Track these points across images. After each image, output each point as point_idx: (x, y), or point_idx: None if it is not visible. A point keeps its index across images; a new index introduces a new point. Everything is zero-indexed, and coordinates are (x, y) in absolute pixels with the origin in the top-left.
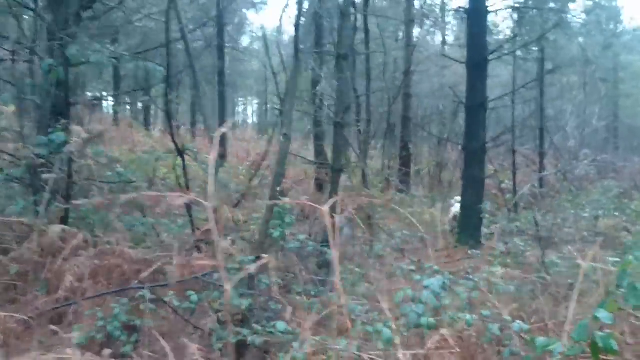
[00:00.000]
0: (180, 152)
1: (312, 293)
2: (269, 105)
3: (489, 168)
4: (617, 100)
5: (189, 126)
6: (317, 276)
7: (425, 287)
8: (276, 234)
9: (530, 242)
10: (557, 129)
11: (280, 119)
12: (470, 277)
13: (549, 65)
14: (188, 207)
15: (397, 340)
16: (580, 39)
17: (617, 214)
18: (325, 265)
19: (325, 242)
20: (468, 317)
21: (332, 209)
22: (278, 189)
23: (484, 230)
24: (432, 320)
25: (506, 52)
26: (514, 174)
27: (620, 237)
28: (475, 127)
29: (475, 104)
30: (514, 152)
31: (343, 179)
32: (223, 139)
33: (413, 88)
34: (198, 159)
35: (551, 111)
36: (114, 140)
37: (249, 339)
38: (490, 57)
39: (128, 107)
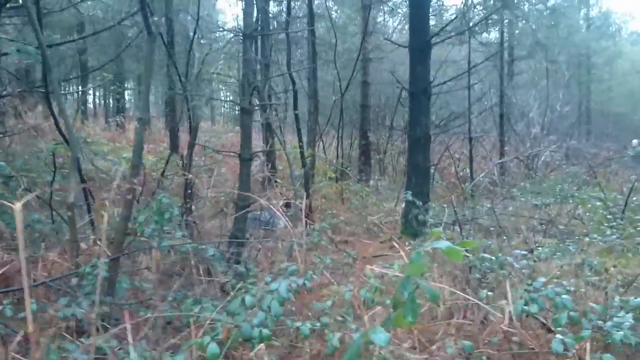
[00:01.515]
0: (68, 142)
1: (169, 298)
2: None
3: (452, 157)
4: (589, 85)
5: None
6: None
7: (271, 292)
8: (147, 232)
9: (473, 232)
10: (522, 115)
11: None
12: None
13: (520, 51)
14: (85, 199)
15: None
16: (552, 23)
17: (571, 201)
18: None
19: (235, 238)
20: (308, 326)
21: (243, 203)
22: (135, 180)
23: (430, 220)
24: (265, 331)
25: (451, 34)
26: (471, 161)
27: (570, 225)
28: (418, 113)
29: (418, 90)
30: (470, 139)
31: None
32: (173, 130)
33: (377, 76)
34: (84, 150)
35: (517, 98)
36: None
37: (71, 356)
38: (434, 40)
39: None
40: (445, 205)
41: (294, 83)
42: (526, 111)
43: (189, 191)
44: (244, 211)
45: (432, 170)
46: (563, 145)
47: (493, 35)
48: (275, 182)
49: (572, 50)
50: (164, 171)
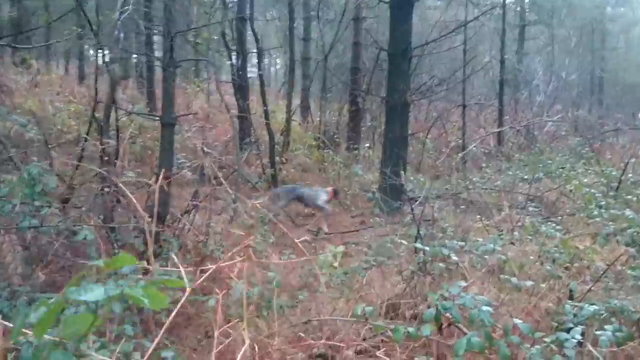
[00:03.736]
0: None
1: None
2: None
3: (444, 125)
4: (603, 53)
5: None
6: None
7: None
8: (6, 208)
9: (449, 208)
10: (526, 83)
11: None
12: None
13: (531, 16)
14: None
15: None
16: None
17: (563, 175)
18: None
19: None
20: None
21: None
22: None
23: (408, 194)
24: None
25: None
26: (464, 130)
27: (558, 202)
28: (395, 77)
29: (397, 51)
30: (463, 106)
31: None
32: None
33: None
34: None
35: (522, 65)
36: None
37: None
38: None
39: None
40: (421, 178)
41: (257, 40)
42: (531, 79)
43: (106, 159)
44: (167, 181)
45: (425, 139)
46: (569, 116)
47: None
48: (203, 150)
49: (584, 15)
50: (86, 135)
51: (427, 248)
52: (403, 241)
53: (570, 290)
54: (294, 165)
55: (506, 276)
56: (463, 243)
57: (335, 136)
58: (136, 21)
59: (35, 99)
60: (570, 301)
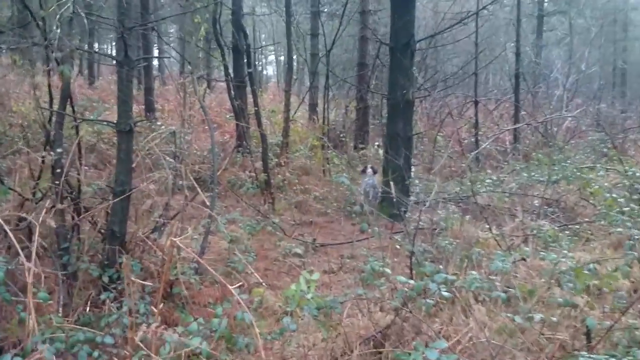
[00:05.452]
0: None
1: None
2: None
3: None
4: (625, 44)
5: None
6: None
7: None
8: None
9: (458, 215)
10: (544, 77)
11: None
12: None
13: (550, 6)
14: None
15: None
16: None
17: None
18: None
19: (112, 235)
20: None
21: (121, 188)
22: None
23: (412, 198)
24: None
25: None
26: (476, 127)
27: (578, 206)
28: (398, 73)
29: (399, 45)
30: (476, 102)
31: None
32: (149, 90)
33: (384, 31)
34: None
35: (540, 57)
36: None
37: None
38: None
39: None
40: (425, 179)
41: (246, 36)
42: (549, 72)
43: (58, 171)
44: (120, 198)
45: (436, 137)
46: (590, 110)
47: None
48: (176, 157)
49: (605, 4)
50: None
51: (412, 281)
52: (387, 269)
53: (587, 328)
54: (293, 168)
55: (509, 314)
56: (453, 277)
57: (342, 135)
58: (90, 13)
59: (26, 102)
60: (584, 352)
